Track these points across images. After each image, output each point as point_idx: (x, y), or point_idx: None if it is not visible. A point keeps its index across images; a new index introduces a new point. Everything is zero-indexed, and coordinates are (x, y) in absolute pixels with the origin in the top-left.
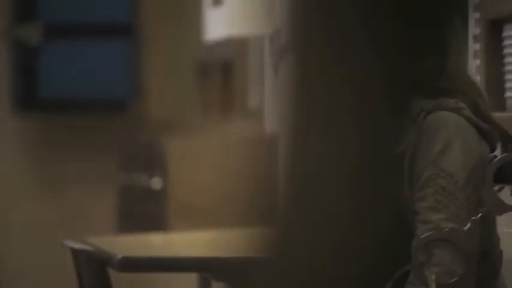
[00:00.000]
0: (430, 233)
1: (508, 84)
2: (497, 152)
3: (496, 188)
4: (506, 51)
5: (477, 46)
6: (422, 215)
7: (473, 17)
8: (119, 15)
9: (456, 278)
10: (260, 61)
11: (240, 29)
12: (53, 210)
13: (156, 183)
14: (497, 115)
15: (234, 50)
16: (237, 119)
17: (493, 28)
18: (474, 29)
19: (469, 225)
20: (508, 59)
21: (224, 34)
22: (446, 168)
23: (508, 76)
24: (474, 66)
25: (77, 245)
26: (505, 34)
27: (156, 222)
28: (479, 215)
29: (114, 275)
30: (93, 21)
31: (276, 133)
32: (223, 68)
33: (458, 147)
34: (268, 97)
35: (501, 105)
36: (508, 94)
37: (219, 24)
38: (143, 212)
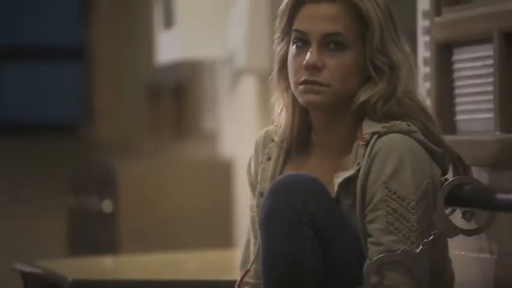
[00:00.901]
0: (382, 255)
1: (458, 108)
2: (449, 175)
3: (447, 210)
4: (456, 74)
5: (427, 69)
6: (374, 237)
7: (424, 40)
8: (70, 38)
9: None
10: (213, 84)
11: (192, 51)
12: (2, 232)
13: (107, 206)
14: (448, 138)
15: (186, 72)
16: (189, 141)
17: (443, 51)
18: (424, 52)
19: (420, 247)
20: (458, 83)
21: (176, 57)
22: (398, 190)
23: (459, 99)
24: (425, 90)
25: (27, 268)
26: (455, 57)
27: (107, 245)
28: (431, 237)
29: None
30: (43, 44)
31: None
32: (175, 91)
33: (410, 169)
34: (222, 120)
35: (452, 129)
36: (459, 117)
37: (170, 47)
38: (94, 234)
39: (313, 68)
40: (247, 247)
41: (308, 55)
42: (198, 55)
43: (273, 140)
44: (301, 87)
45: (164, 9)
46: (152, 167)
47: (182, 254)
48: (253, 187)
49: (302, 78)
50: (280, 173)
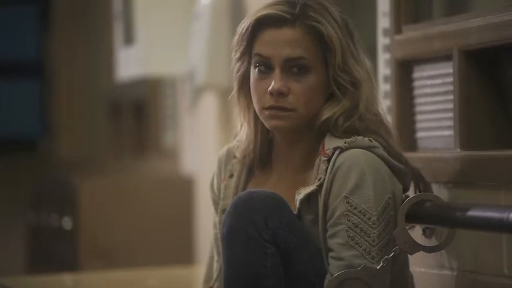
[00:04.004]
0: (343, 271)
1: (418, 125)
2: (410, 192)
3: (408, 227)
4: (416, 92)
5: (388, 87)
6: (334, 251)
7: (384, 57)
8: (29, 53)
9: None
10: (174, 100)
11: (152, 68)
12: None
13: (66, 223)
14: (408, 155)
15: (147, 89)
16: (150, 158)
17: (404, 69)
18: (385, 69)
19: (381, 264)
20: (418, 100)
21: (136, 73)
22: (359, 205)
23: (419, 117)
24: (385, 107)
25: None
26: (415, 75)
27: (67, 262)
28: (392, 254)
29: None
30: (2, 59)
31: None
32: (135, 108)
33: (371, 184)
34: (183, 136)
35: (412, 146)
36: (419, 134)
37: (131, 63)
38: (54, 251)
39: (278, 94)
40: (210, 264)
41: (273, 82)
42: (159, 71)
43: (235, 157)
44: (267, 112)
45: (124, 25)
46: (113, 184)
47: (143, 271)
48: (216, 204)
49: (268, 104)
50: (243, 189)
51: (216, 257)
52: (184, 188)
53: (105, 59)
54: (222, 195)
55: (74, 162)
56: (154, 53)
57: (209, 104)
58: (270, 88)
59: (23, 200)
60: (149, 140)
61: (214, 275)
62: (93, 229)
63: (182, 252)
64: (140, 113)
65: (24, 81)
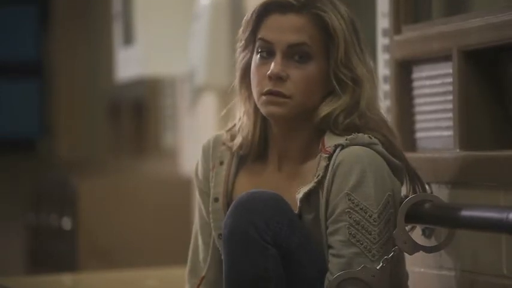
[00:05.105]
0: (343, 271)
1: (418, 125)
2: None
3: (408, 227)
4: (416, 92)
5: (387, 87)
6: (335, 248)
7: (383, 58)
8: (29, 53)
9: None
10: (173, 101)
11: (152, 68)
12: None
13: (66, 223)
14: (408, 155)
15: (146, 89)
16: (150, 158)
17: (403, 69)
18: (384, 69)
19: (381, 264)
20: (418, 100)
21: (136, 73)
22: (360, 202)
23: (418, 117)
24: (385, 107)
25: None
26: (414, 75)
27: (67, 262)
28: (392, 254)
29: None
30: (1, 59)
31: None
32: (135, 108)
33: (372, 181)
34: (182, 137)
35: (412, 146)
36: (419, 135)
37: (130, 64)
38: (54, 251)
39: (277, 78)
40: (195, 252)
41: (272, 65)
42: (158, 72)
43: (223, 144)
44: (264, 97)
45: (124, 26)
46: (112, 184)
47: (142, 271)
48: (201, 191)
49: (266, 89)
50: (234, 177)
51: (202, 246)
52: (183, 188)
53: (105, 59)
54: (212, 184)
55: (74, 162)
56: (154, 53)
57: (209, 104)
58: (268, 72)
59: (23, 200)
60: (149, 140)
61: (204, 265)
62: (93, 229)
63: (181, 253)
64: (140, 113)
65: (24, 81)
